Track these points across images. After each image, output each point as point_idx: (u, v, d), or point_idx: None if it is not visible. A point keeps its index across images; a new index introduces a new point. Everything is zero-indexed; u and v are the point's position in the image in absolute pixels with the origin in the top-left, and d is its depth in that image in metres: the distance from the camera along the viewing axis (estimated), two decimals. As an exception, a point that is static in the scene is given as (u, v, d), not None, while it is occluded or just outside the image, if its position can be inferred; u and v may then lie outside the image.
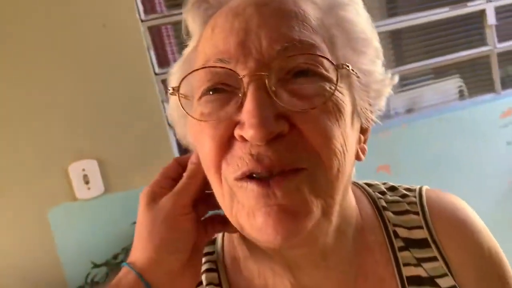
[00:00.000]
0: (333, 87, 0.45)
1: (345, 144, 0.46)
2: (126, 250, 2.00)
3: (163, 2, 2.26)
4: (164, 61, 2.23)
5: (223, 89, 0.47)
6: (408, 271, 0.56)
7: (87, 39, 2.08)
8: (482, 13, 2.43)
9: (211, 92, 0.47)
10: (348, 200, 0.55)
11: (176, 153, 2.20)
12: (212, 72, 0.46)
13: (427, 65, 2.45)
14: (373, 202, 0.61)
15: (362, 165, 2.10)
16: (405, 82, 2.53)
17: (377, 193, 0.62)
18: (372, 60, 0.52)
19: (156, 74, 2.15)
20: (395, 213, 0.60)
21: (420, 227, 0.58)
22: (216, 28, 0.47)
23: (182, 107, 0.49)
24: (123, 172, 2.14)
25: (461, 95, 2.54)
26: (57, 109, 2.08)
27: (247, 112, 0.42)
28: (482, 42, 2.47)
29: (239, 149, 0.44)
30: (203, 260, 0.60)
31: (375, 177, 0.68)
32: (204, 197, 0.54)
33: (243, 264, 0.57)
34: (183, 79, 0.49)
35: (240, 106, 0.44)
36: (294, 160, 0.43)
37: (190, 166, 0.53)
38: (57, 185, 2.10)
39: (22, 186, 2.09)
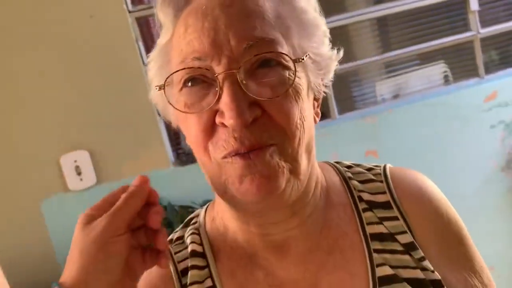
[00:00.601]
0: (292, 76, 0.54)
1: (303, 117, 0.56)
2: (120, 239, 2.03)
3: (150, -7, 2.26)
4: (153, 52, 2.24)
5: (200, 79, 0.55)
6: (371, 229, 0.63)
7: (74, 30, 2.08)
8: (465, -1, 2.48)
9: (190, 84, 0.55)
10: (314, 162, 0.63)
11: (166, 143, 2.22)
12: (191, 69, 0.54)
13: (413, 51, 2.49)
14: (340, 173, 0.70)
15: (351, 149, 2.13)
16: (391, 69, 2.57)
17: (344, 167, 0.71)
18: (321, 42, 0.60)
19: (145, 65, 2.16)
20: (360, 181, 0.68)
21: (383, 193, 0.66)
22: (188, 28, 0.55)
23: (170, 103, 0.57)
24: (115, 163, 2.16)
25: (446, 80, 2.59)
26: (48, 101, 2.09)
27: (225, 104, 0.51)
28: (466, 27, 2.51)
29: (222, 134, 0.53)
30: (189, 228, 0.69)
31: (364, 161, 0.73)
32: (145, 226, 0.55)
33: (218, 221, 0.67)
34: (167, 78, 0.56)
35: (218, 98, 0.53)
36: (267, 138, 0.53)
37: (130, 188, 0.54)
38: (49, 177, 2.12)
39: (14, 178, 2.10)
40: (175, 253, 0.67)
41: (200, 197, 2.03)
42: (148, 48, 2.22)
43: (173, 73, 0.55)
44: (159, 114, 2.18)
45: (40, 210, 2.13)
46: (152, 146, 2.19)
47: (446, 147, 2.41)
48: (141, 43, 2.17)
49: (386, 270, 0.60)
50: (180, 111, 0.56)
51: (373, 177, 0.68)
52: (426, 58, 2.57)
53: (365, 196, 0.66)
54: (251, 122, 0.52)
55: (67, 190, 2.14)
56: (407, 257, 0.61)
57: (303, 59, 0.55)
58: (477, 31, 2.49)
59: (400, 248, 0.62)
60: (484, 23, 2.51)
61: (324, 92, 0.64)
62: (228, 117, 0.51)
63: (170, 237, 0.71)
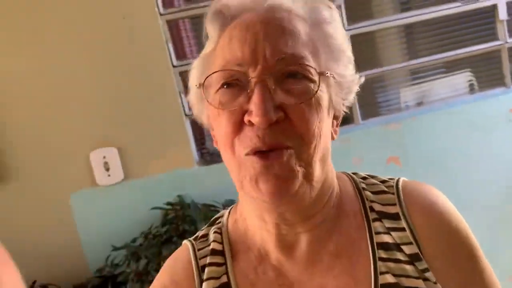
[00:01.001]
0: (316, 87, 0.60)
1: (321, 128, 0.61)
2: (145, 234, 2.09)
3: (181, -4, 2.32)
4: (181, 54, 2.30)
5: (235, 83, 0.61)
6: (378, 238, 0.67)
7: (108, 31, 2.16)
8: (493, 8, 2.46)
9: (225, 86, 0.62)
10: (329, 172, 0.68)
11: (191, 143, 2.27)
12: (230, 72, 0.61)
13: (439, 59, 2.49)
14: (355, 183, 0.74)
15: (373, 156, 2.14)
16: (416, 76, 2.57)
17: (359, 178, 0.75)
18: (345, 65, 0.67)
19: (174, 66, 2.22)
20: (373, 192, 0.72)
21: (394, 204, 0.69)
22: (233, 39, 0.62)
23: (206, 99, 0.64)
24: (142, 160, 2.22)
25: (471, 89, 2.58)
26: (79, 99, 2.17)
27: (254, 104, 0.57)
28: (493, 36, 2.50)
29: (248, 131, 0.59)
30: (213, 227, 0.75)
31: (385, 168, 0.77)
32: None
33: (240, 223, 0.73)
34: (207, 77, 0.64)
35: (249, 99, 0.59)
36: (285, 140, 0.59)
37: None
38: (78, 172, 2.20)
39: (46, 171, 2.19)
40: (199, 249, 0.73)
41: (223, 196, 2.07)
42: (177, 50, 2.28)
43: (215, 72, 0.62)
44: (185, 115, 2.25)
45: (69, 203, 2.21)
46: (178, 145, 2.24)
47: (470, 156, 2.39)
48: (170, 45, 2.23)
49: (388, 278, 0.64)
50: (214, 107, 0.62)
51: (385, 189, 0.71)
52: (452, 66, 2.56)
53: (376, 207, 0.69)
54: (274, 123, 0.57)
55: (95, 185, 2.21)
56: (410, 267, 0.64)
57: (327, 73, 0.62)
58: (505, 40, 2.47)
59: (404, 258, 0.65)
60: (513, 33, 2.50)
61: (345, 112, 0.70)
62: (255, 114, 0.57)
63: (196, 234, 0.77)
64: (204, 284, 0.69)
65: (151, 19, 2.19)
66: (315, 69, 0.61)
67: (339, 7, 2.33)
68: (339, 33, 0.67)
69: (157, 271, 2.06)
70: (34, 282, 2.15)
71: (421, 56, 2.50)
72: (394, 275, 0.64)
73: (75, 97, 2.16)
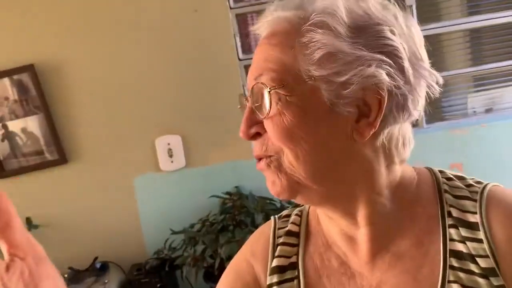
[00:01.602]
0: (268, 101, 0.61)
1: (304, 136, 0.61)
2: (202, 221, 2.15)
3: (251, -9, 2.36)
4: (248, 48, 2.34)
5: None
6: (452, 246, 0.64)
7: (179, 22, 2.23)
8: None
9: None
10: (359, 173, 0.65)
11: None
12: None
13: (507, 66, 2.40)
14: (437, 184, 0.70)
15: (435, 161, 2.09)
16: (486, 82, 2.49)
17: (444, 179, 0.71)
18: (332, 64, 0.60)
19: (240, 59, 2.27)
20: (454, 196, 0.67)
21: (474, 213, 0.65)
22: None
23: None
24: (204, 149, 2.29)
25: (546, 98, 2.46)
26: (148, 88, 2.26)
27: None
28: None
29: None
30: (296, 209, 0.79)
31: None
32: None
33: (317, 212, 0.77)
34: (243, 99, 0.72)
35: None
36: (266, 151, 0.64)
37: None
38: (143, 156, 2.30)
39: (112, 155, 2.30)
40: (279, 228, 0.78)
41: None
42: (244, 44, 2.32)
43: (245, 98, 0.69)
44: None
45: (133, 185, 2.32)
46: (238, 137, 2.24)
47: (538, 168, 2.30)
48: (238, 39, 2.27)
49: None
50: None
51: (469, 195, 0.67)
52: (525, 74, 2.46)
53: (454, 212, 0.66)
54: (256, 136, 0.64)
55: (158, 170, 2.30)
56: (484, 281, 0.61)
57: (282, 85, 0.60)
58: None
59: (478, 271, 0.62)
60: None
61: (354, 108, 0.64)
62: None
63: (281, 212, 0.81)
64: (274, 260, 0.74)
65: (221, 12, 2.24)
66: (265, 84, 0.60)
67: (410, 7, 2.29)
68: (325, 35, 0.60)
69: (213, 257, 2.11)
70: (95, 259, 2.27)
71: (491, 62, 2.42)
72: (464, 286, 0.61)
73: (144, 85, 2.26)
